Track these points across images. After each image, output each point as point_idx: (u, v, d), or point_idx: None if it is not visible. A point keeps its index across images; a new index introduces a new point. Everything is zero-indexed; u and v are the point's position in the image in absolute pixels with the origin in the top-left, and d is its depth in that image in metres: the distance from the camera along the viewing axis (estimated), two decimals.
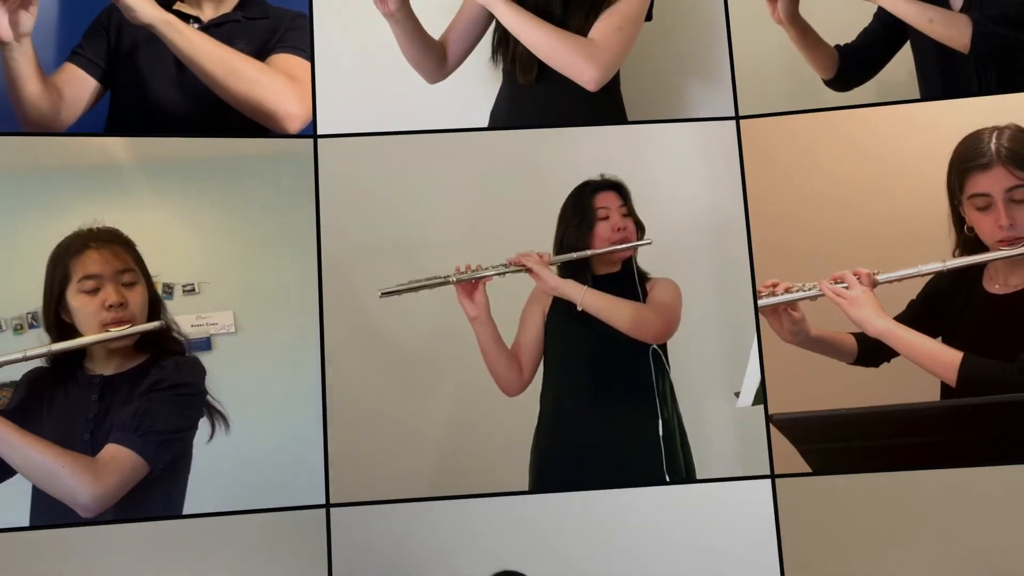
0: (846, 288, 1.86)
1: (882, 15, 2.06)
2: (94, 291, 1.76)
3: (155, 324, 1.78)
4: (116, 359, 1.80)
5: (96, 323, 1.75)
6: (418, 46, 1.97)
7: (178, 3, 1.98)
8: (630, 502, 1.89)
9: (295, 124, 1.96)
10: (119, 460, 1.69)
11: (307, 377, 1.88)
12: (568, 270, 1.96)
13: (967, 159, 1.85)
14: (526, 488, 1.92)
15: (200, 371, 1.83)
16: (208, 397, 1.81)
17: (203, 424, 1.80)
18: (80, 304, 1.76)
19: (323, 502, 1.85)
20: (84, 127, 1.97)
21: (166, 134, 1.94)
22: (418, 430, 1.96)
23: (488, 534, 1.87)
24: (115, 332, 1.75)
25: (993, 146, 1.83)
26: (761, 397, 1.91)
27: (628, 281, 1.97)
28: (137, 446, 1.69)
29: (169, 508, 1.78)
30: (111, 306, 1.75)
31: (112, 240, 1.80)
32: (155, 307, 1.81)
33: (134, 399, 1.74)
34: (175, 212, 1.92)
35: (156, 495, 1.75)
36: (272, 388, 1.88)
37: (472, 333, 1.93)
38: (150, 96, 1.97)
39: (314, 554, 1.83)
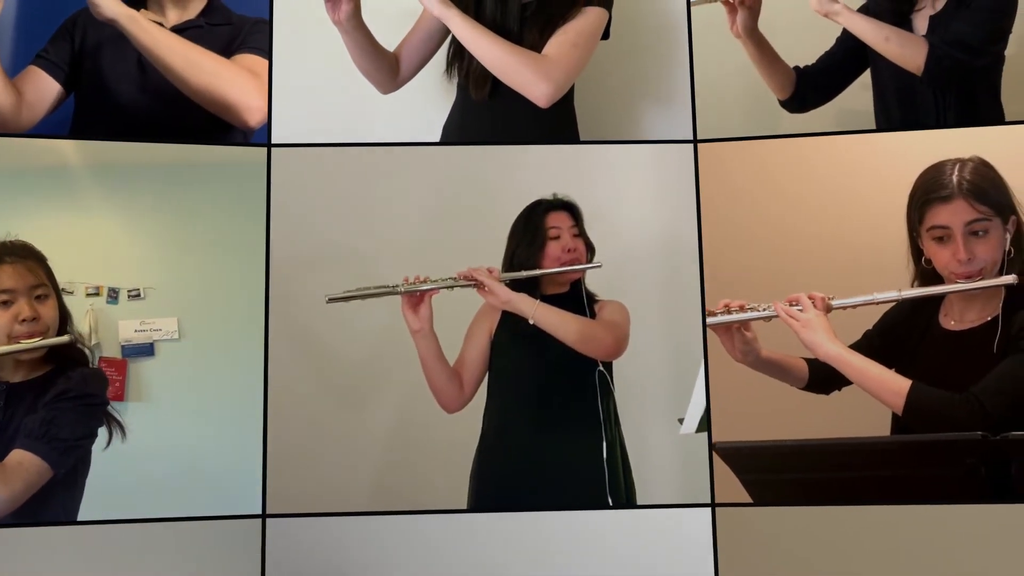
0: (800, 310, 1.84)
1: (844, 40, 2.06)
2: (6, 304, 1.80)
3: (64, 338, 1.83)
4: (24, 368, 1.84)
5: (6, 335, 1.79)
6: (368, 56, 1.97)
7: (142, 10, 2.00)
8: (569, 524, 1.87)
9: (256, 116, 1.98)
10: (25, 465, 1.73)
11: (249, 386, 1.88)
12: (516, 289, 1.94)
13: (928, 190, 1.83)
14: (465, 506, 1.91)
15: (104, 382, 1.87)
16: (109, 407, 1.85)
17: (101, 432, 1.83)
18: None
19: (259, 512, 1.86)
20: (49, 129, 1.99)
21: (121, 138, 1.96)
22: (359, 443, 1.95)
23: (425, 551, 1.86)
24: (26, 344, 1.80)
25: (955, 178, 1.81)
26: (705, 424, 1.89)
27: (576, 302, 1.96)
28: (43, 452, 1.74)
29: (68, 512, 1.81)
30: (24, 320, 1.79)
31: (26, 256, 1.84)
32: (63, 320, 1.85)
33: (39, 408, 1.78)
34: (124, 216, 1.93)
35: (56, 499, 1.78)
36: (213, 396, 1.88)
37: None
38: (112, 98, 1.99)
39: (248, 564, 1.83)
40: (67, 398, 1.79)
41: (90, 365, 1.88)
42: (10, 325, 1.79)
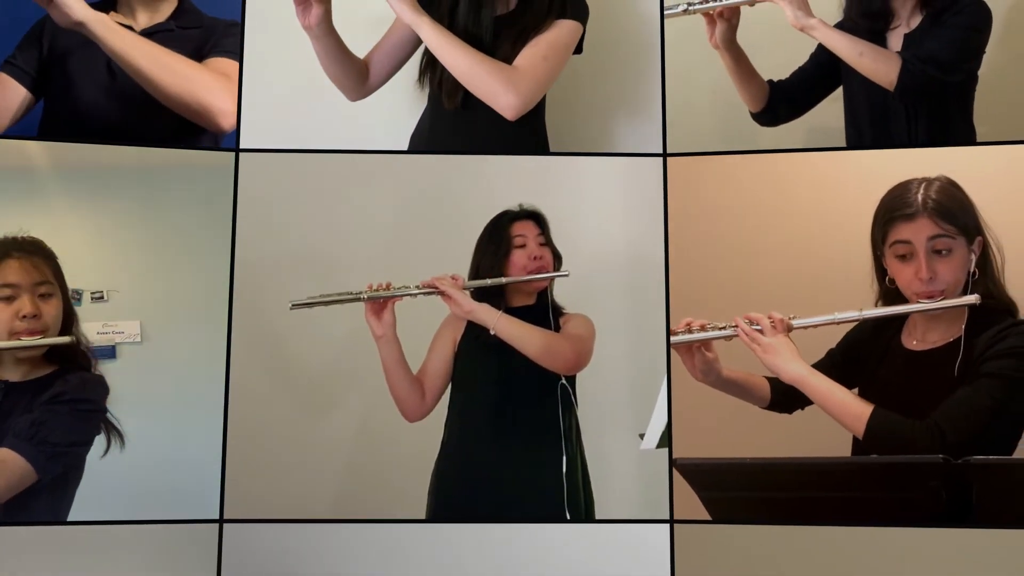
0: (759, 331, 1.83)
1: (818, 55, 2.05)
2: (9, 299, 1.78)
3: (66, 339, 1.81)
4: (23, 367, 1.82)
5: (7, 331, 1.78)
6: (337, 63, 1.97)
7: (112, 13, 1.99)
8: (527, 537, 1.87)
9: (228, 120, 1.97)
10: (8, 464, 1.71)
11: (211, 390, 1.88)
12: (482, 299, 1.94)
13: (893, 208, 1.83)
14: (423, 516, 1.90)
15: (103, 389, 1.85)
16: (107, 415, 1.83)
17: (99, 440, 1.82)
18: None
19: (217, 517, 1.85)
20: (18, 133, 1.98)
21: (88, 140, 1.95)
22: (319, 450, 1.95)
23: (382, 561, 1.86)
24: (25, 341, 1.79)
25: (920, 196, 1.80)
26: (666, 440, 1.89)
27: (542, 314, 1.95)
28: (29, 454, 1.72)
29: (54, 519, 1.79)
30: (24, 316, 1.78)
31: (34, 251, 1.83)
32: (68, 321, 1.84)
33: (34, 408, 1.76)
34: (89, 218, 1.92)
35: (42, 505, 1.76)
36: (174, 399, 1.88)
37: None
38: (80, 103, 1.98)
39: (204, 570, 1.83)
40: (61, 401, 1.77)
41: (93, 370, 1.85)
42: (11, 321, 1.77)
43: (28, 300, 1.78)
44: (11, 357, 1.80)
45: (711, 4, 2.00)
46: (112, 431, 1.83)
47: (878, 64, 1.95)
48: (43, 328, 1.79)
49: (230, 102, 1.97)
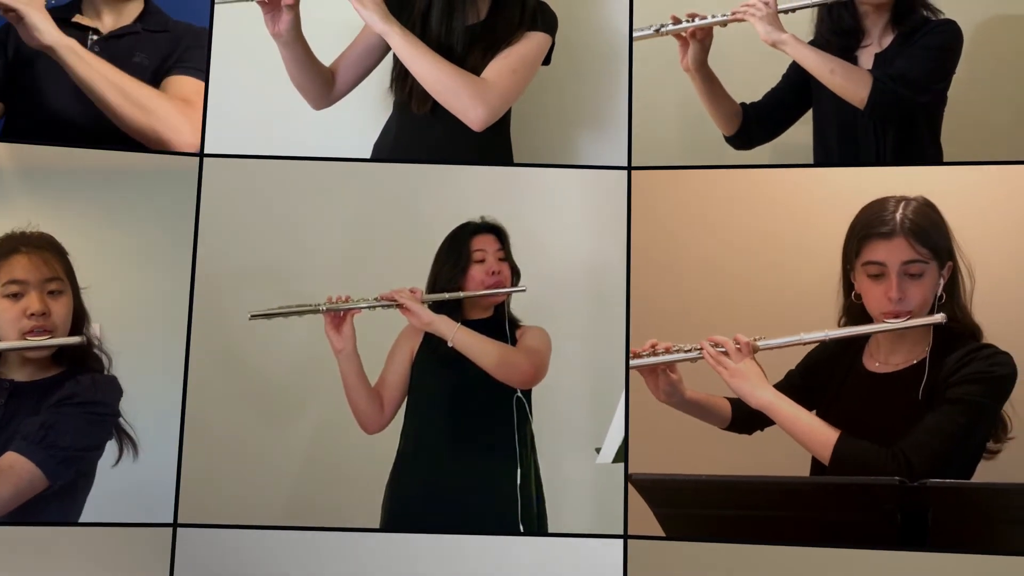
0: (724, 354, 1.82)
1: (790, 75, 2.04)
2: (17, 296, 1.75)
3: (76, 339, 1.77)
4: (31, 367, 1.78)
5: (15, 329, 1.74)
6: (304, 70, 1.96)
7: (77, 15, 1.99)
8: (481, 549, 1.86)
9: (187, 149, 1.96)
10: (16, 469, 1.67)
11: (168, 394, 1.88)
12: (439, 311, 1.93)
13: (869, 224, 1.81)
14: (378, 525, 1.90)
15: (116, 391, 1.81)
16: (120, 420, 1.80)
17: (110, 447, 1.79)
18: (1, 308, 1.75)
19: (171, 521, 1.85)
20: None
21: (51, 143, 1.95)
22: (275, 457, 1.95)
23: (335, 569, 1.86)
24: (33, 342, 1.74)
25: (898, 216, 1.79)
26: (622, 455, 1.88)
27: (499, 327, 1.94)
28: (38, 458, 1.68)
29: None
30: (32, 314, 1.74)
31: (43, 247, 1.79)
32: (79, 320, 1.80)
33: (42, 410, 1.72)
34: (51, 220, 1.90)
35: (52, 512, 1.73)
36: (131, 402, 1.86)
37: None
38: (47, 107, 1.97)
39: (157, 573, 1.82)
40: (72, 403, 1.73)
41: (106, 372, 1.82)
42: (18, 319, 1.73)
43: (36, 297, 1.74)
44: (18, 356, 1.76)
45: (683, 25, 2.00)
46: (125, 437, 1.79)
47: (849, 82, 1.94)
48: (51, 327, 1.75)
49: (189, 134, 1.95)
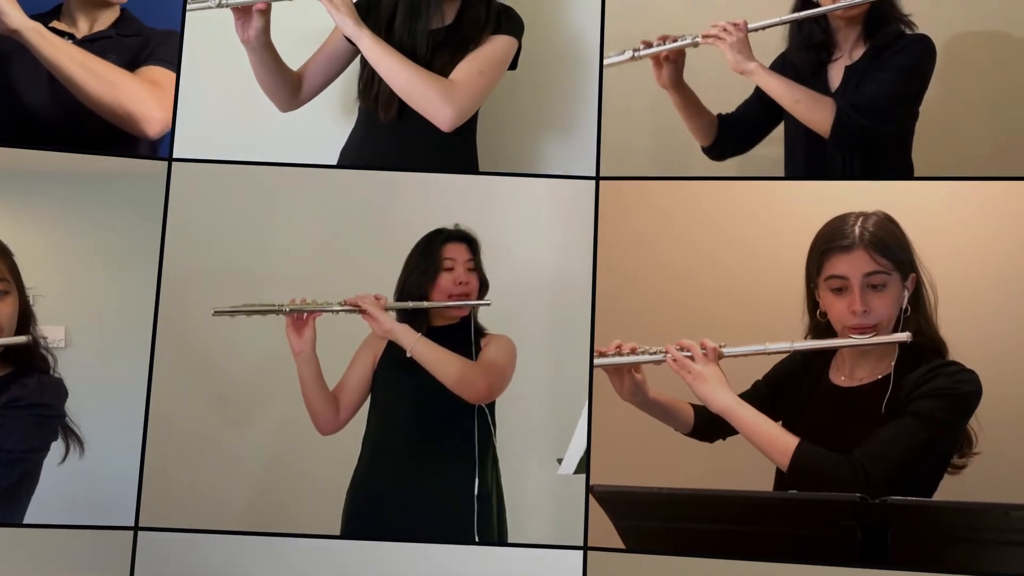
0: (690, 358, 1.81)
1: (760, 91, 2.02)
2: None
3: (21, 339, 1.76)
4: None
5: None
6: (272, 74, 1.98)
7: (54, 21, 2.02)
8: (437, 558, 1.86)
9: (154, 127, 1.99)
10: None
11: (132, 397, 1.89)
12: (405, 318, 1.94)
13: (829, 240, 1.81)
14: (338, 531, 1.90)
15: (62, 393, 1.81)
16: (66, 419, 1.80)
17: (56, 446, 1.79)
18: None
19: (132, 524, 1.86)
20: None
21: (19, 145, 1.96)
22: (236, 461, 1.95)
23: (293, 574, 1.86)
24: None
25: (857, 229, 1.79)
26: (584, 466, 1.87)
27: (464, 335, 1.94)
28: None
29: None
30: None
31: None
32: (25, 320, 1.79)
33: None
34: (17, 221, 1.92)
35: None
36: (95, 405, 1.87)
37: None
38: (20, 107, 1.99)
39: None
40: (18, 406, 1.73)
41: (52, 372, 1.82)
42: None
43: None
44: None
45: (655, 49, 2.01)
46: (71, 436, 1.79)
47: (812, 113, 1.95)
48: None
49: (156, 109, 1.98)
